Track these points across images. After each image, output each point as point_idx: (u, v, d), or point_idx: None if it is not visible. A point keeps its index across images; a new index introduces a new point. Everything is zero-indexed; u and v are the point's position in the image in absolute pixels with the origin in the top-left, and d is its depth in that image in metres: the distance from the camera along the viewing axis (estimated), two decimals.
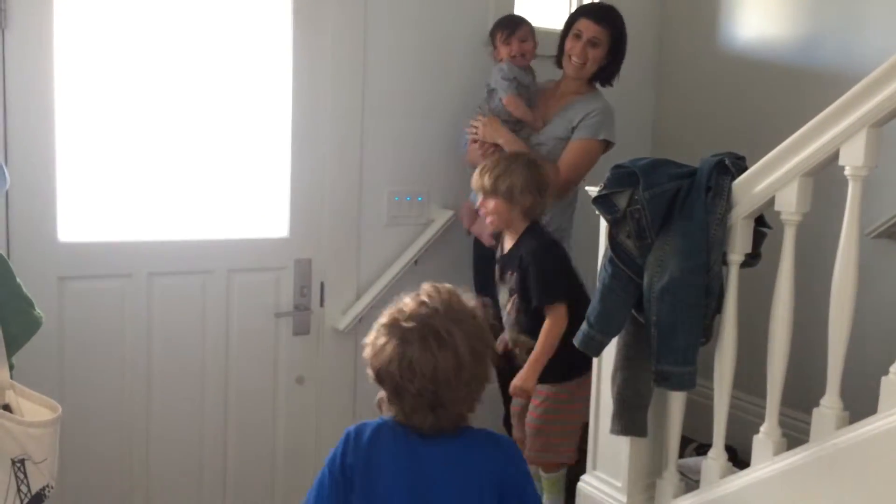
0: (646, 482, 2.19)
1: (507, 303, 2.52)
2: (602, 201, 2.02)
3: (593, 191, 2.06)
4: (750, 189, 1.90)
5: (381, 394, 1.60)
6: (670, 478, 2.13)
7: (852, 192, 1.73)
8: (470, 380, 1.52)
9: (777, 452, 1.90)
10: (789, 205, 1.83)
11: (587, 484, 2.29)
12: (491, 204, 2.48)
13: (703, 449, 2.72)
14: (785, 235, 1.87)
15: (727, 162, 1.95)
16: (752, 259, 2.05)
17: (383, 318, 1.58)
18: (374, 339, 1.57)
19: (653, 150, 3.56)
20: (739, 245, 1.95)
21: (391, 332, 1.53)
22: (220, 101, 2.68)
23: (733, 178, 1.93)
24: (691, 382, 1.97)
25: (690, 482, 2.21)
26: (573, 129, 2.76)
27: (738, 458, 2.56)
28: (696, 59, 3.46)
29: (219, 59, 2.66)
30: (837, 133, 1.72)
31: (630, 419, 2.11)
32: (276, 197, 2.82)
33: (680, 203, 1.95)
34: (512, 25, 2.86)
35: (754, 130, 3.08)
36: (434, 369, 1.48)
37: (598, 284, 2.08)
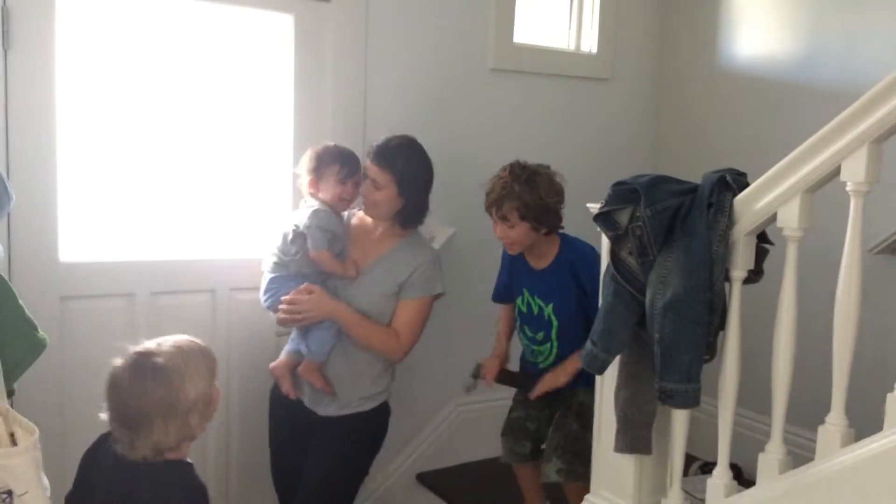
0: (650, 501, 2.17)
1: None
2: (603, 218, 2.01)
3: (594, 208, 2.05)
4: (751, 205, 1.89)
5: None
6: (675, 497, 2.11)
7: (854, 207, 1.72)
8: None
9: (782, 471, 1.88)
10: (791, 221, 1.83)
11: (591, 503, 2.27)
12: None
13: (707, 467, 2.71)
14: (787, 252, 1.86)
15: (728, 178, 1.94)
16: (754, 275, 2.04)
17: None
18: None
19: (654, 167, 3.57)
20: (742, 261, 1.93)
21: None
22: (222, 121, 2.69)
23: (734, 195, 1.93)
24: (695, 400, 1.95)
25: (696, 501, 2.19)
26: (400, 285, 2.44)
27: (744, 477, 2.55)
28: (696, 76, 3.47)
29: (220, 80, 2.68)
30: (839, 149, 1.72)
31: (634, 437, 2.10)
32: (278, 216, 2.82)
33: (682, 220, 1.95)
34: (351, 166, 2.45)
35: (755, 147, 3.09)
36: None
37: (600, 302, 2.08)
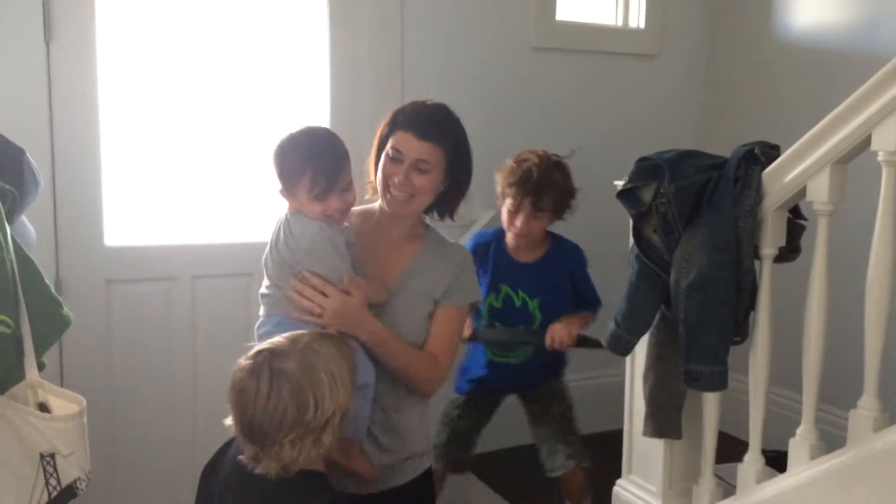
0: (682, 487, 2.11)
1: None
2: (627, 195, 1.96)
3: (618, 184, 2.00)
4: (780, 179, 1.81)
5: None
6: (706, 483, 2.05)
7: (886, 179, 1.63)
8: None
9: (814, 456, 1.80)
10: (821, 194, 1.74)
11: (622, 489, 2.23)
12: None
13: (765, 455, 2.60)
14: (818, 227, 1.78)
15: (757, 151, 1.87)
16: (790, 253, 1.96)
17: None
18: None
19: (705, 145, 3.42)
20: (771, 238, 1.85)
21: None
22: (261, 106, 2.73)
23: (763, 168, 1.85)
24: (722, 382, 1.88)
25: (729, 487, 2.12)
26: (437, 300, 1.83)
27: None
28: (750, 50, 3.33)
29: (257, 65, 2.71)
30: (869, 116, 1.63)
31: (663, 420, 2.05)
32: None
33: (708, 196, 1.88)
34: (331, 171, 1.67)
35: (812, 122, 2.94)
36: None
37: (626, 282, 2.02)
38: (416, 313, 1.81)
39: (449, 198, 1.87)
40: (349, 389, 1.45)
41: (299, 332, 1.49)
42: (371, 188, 1.87)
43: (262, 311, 1.79)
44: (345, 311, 1.67)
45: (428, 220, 1.92)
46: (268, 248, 1.76)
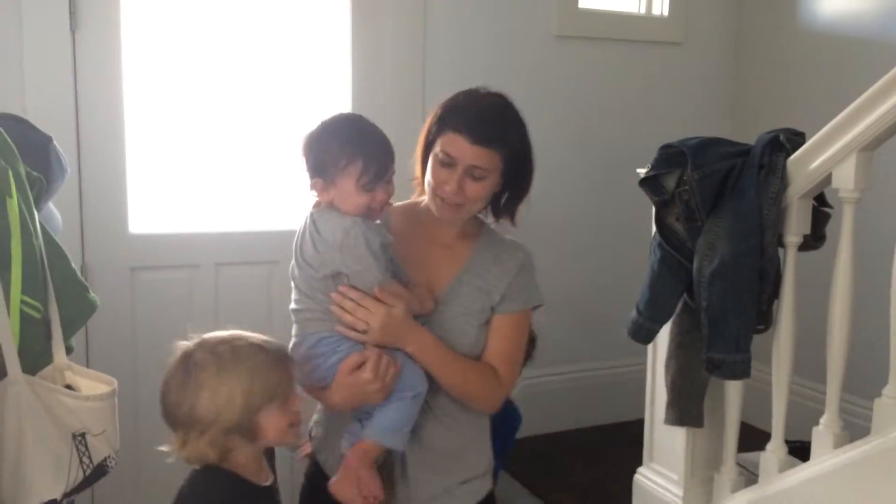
0: (703, 475, 2.10)
1: None
2: (649, 183, 1.95)
3: (640, 172, 1.99)
4: (805, 166, 1.79)
5: None
6: (728, 471, 2.04)
7: None
8: None
9: (837, 445, 1.79)
10: (847, 182, 1.72)
11: (643, 477, 2.22)
12: None
13: (789, 445, 2.59)
14: (844, 215, 1.76)
15: (782, 138, 1.85)
16: (815, 241, 1.94)
17: None
18: None
19: (731, 134, 3.40)
20: (796, 226, 1.84)
21: None
22: (283, 94, 2.74)
23: (788, 155, 1.83)
24: (745, 371, 1.87)
25: (752, 476, 2.11)
26: (494, 306, 1.66)
27: None
28: (776, 37, 3.29)
29: (280, 53, 2.72)
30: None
31: (685, 409, 2.04)
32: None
33: (732, 183, 1.87)
34: (383, 157, 1.55)
35: (836, 107, 2.90)
36: None
37: (648, 270, 2.02)
38: (471, 323, 1.63)
39: (506, 199, 1.67)
40: (242, 409, 1.38)
41: (246, 334, 1.44)
42: (418, 185, 1.70)
43: (294, 331, 1.62)
44: (388, 324, 1.52)
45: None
46: (294, 259, 1.61)
